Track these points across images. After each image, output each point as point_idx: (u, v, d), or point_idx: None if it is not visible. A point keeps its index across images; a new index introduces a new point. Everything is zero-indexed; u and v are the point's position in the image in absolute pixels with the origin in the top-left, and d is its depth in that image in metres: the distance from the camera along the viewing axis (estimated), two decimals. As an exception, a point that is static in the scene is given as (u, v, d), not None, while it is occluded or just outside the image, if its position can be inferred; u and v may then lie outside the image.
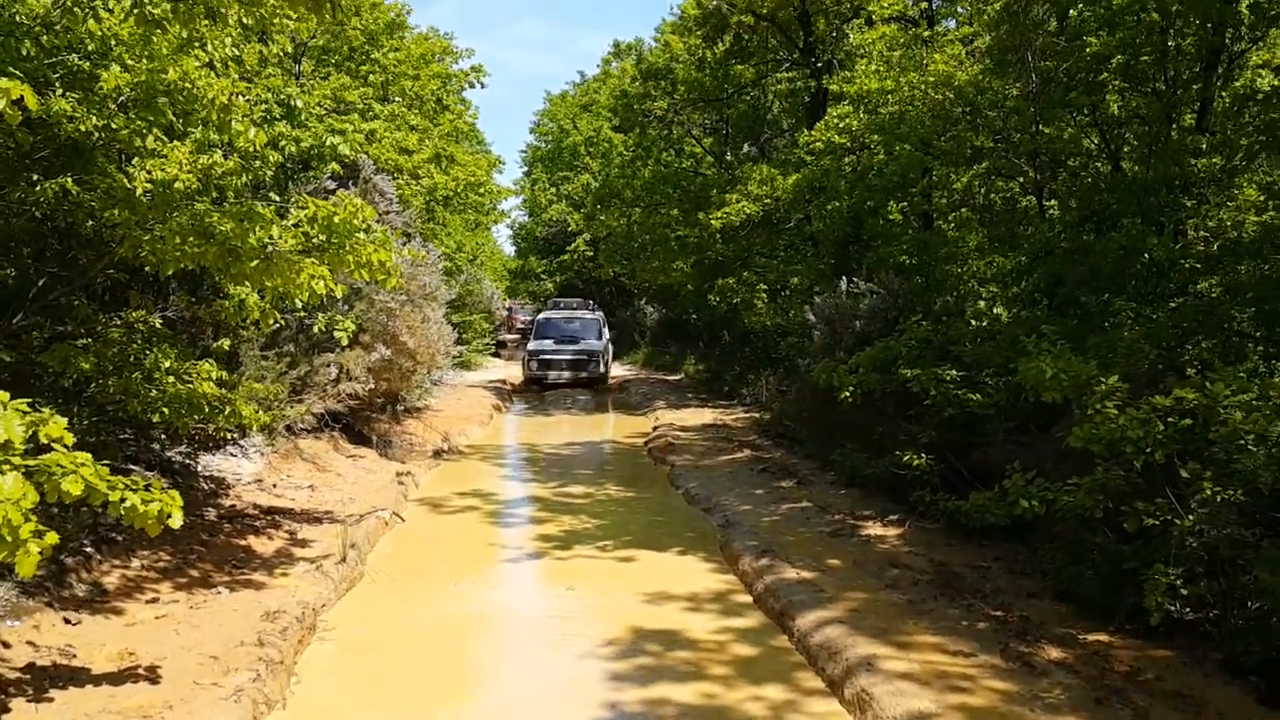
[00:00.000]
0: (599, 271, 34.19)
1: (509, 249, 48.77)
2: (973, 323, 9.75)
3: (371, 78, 17.96)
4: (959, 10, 15.94)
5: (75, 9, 6.68)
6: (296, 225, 7.30)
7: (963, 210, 13.64)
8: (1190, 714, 4.42)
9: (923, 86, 12.03)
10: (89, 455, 4.29)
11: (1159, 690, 4.65)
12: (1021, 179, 12.17)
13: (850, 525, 8.24)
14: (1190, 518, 4.96)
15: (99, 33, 7.33)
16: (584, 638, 6.04)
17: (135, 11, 6.52)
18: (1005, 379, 8.06)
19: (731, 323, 20.85)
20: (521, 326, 45.57)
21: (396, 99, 18.75)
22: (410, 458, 12.72)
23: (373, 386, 12.46)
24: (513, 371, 26.32)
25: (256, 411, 9.73)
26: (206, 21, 7.05)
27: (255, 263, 6.58)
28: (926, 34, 14.13)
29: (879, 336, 9.65)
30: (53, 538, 3.80)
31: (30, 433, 3.97)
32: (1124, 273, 8.64)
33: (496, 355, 33.17)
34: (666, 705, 5.02)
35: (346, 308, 12.55)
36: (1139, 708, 4.45)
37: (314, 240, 7.45)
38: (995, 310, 10.55)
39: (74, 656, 5.02)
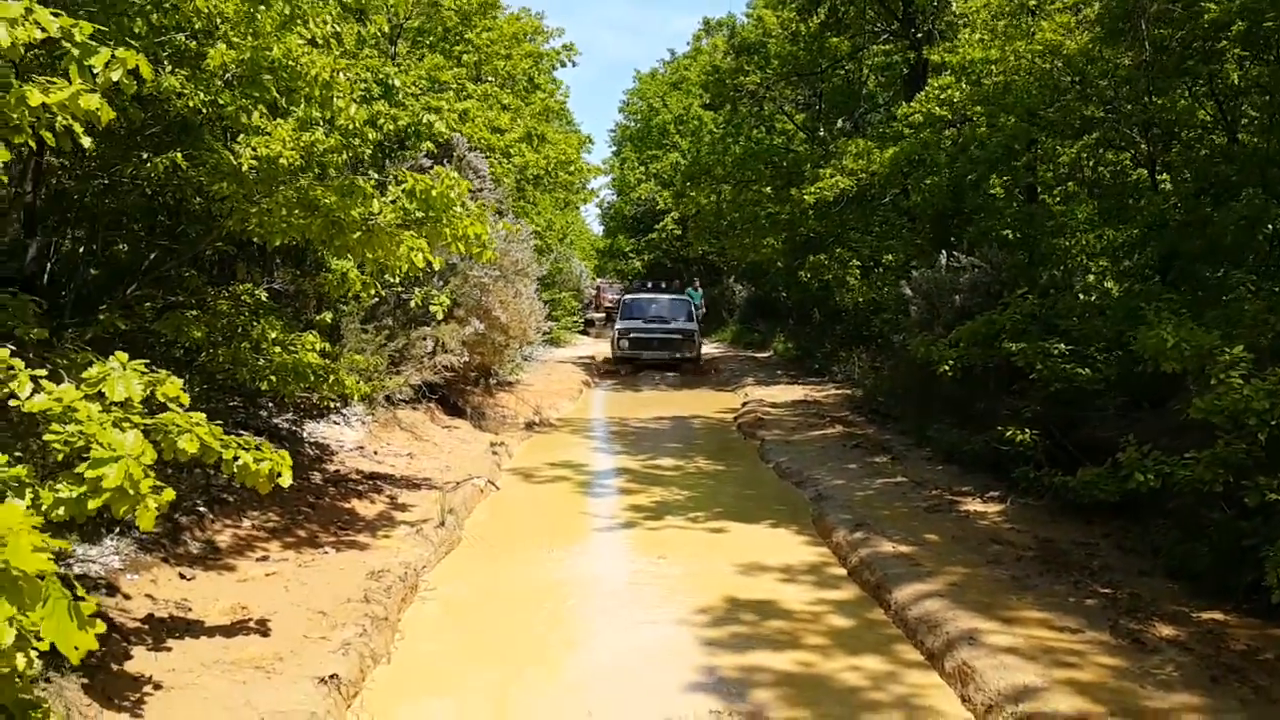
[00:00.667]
0: (687, 250, 34.08)
1: (596, 228, 49.04)
2: (1081, 297, 9.46)
3: (465, 58, 18.16)
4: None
5: (186, -17, 6.83)
6: (394, 200, 7.44)
7: (1069, 184, 13.21)
8: (1316, 696, 4.23)
9: (1030, 56, 11.63)
10: (203, 415, 4.43)
11: (1280, 670, 4.47)
12: (1133, 151, 11.72)
13: (948, 501, 8.08)
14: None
15: (206, 10, 7.53)
16: (678, 605, 6.06)
17: (242, -16, 6.65)
18: (1116, 353, 7.81)
19: (822, 300, 20.57)
20: (609, 305, 45.75)
21: (489, 79, 18.92)
22: (503, 429, 12.90)
23: (467, 359, 12.64)
24: (601, 348, 26.40)
25: (357, 382, 9.98)
26: (310, -2, 7.18)
27: (358, 234, 6.71)
28: (1033, 3, 13.66)
29: (980, 311, 9.41)
30: (169, 494, 3.93)
31: (148, 392, 4.11)
32: (1244, 245, 8.26)
33: (584, 333, 33.38)
34: (763, 672, 5.00)
35: (441, 283, 12.76)
36: (1259, 686, 4.28)
37: (412, 214, 7.58)
38: (1106, 284, 10.23)
39: (189, 610, 5.22)
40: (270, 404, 9.95)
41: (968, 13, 14.34)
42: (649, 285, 25.91)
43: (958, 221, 12.86)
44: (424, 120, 12.38)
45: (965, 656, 4.76)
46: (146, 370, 4.20)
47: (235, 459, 4.41)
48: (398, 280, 10.53)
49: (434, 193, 7.43)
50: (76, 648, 2.08)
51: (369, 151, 11.57)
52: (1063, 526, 7.16)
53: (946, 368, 8.65)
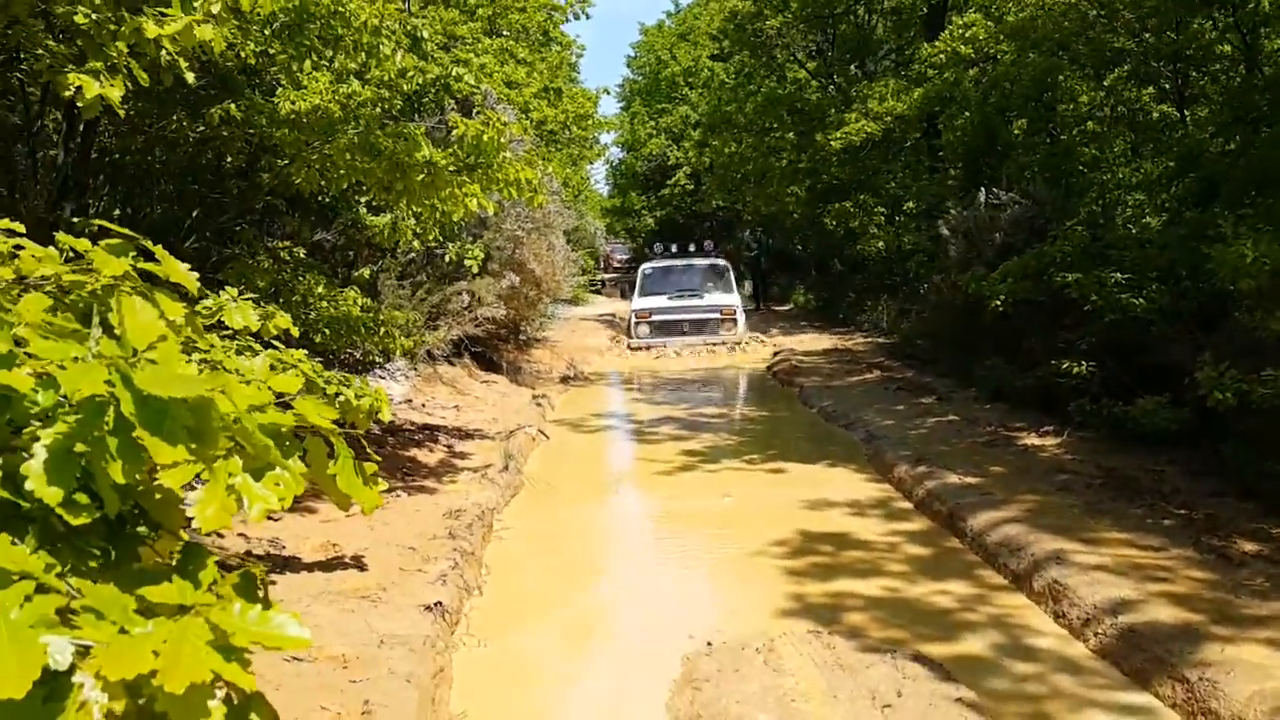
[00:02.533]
0: (699, 205, 33.93)
1: (602, 189, 48.74)
2: (1124, 229, 9.43)
3: (480, 11, 17.97)
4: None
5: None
6: (451, 146, 7.43)
7: (1089, 121, 13.12)
8: None
9: (1058, -14, 11.49)
10: (303, 352, 4.46)
11: (1372, 579, 4.51)
12: (1164, 83, 11.62)
13: (1004, 436, 8.12)
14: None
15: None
16: (753, 538, 6.11)
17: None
18: (1167, 283, 7.81)
19: (841, 249, 20.52)
20: (619, 265, 45.59)
21: (505, 32, 18.74)
22: (539, 383, 12.96)
23: (503, 313, 12.67)
24: (619, 306, 26.35)
25: (400, 336, 10.01)
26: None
27: (421, 177, 6.71)
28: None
29: (1024, 247, 9.39)
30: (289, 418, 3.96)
31: (262, 324, 4.14)
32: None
33: (597, 292, 33.34)
34: (851, 597, 5.06)
35: (472, 237, 12.75)
36: (1356, 595, 4.33)
37: (463, 160, 7.58)
38: (1145, 217, 10.20)
39: (283, 547, 5.29)
40: (317, 358, 10.00)
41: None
42: (671, 249, 20.14)
43: (991, 160, 12.78)
44: (452, 73, 12.31)
45: (1055, 575, 4.82)
46: (257, 306, 4.23)
47: (337, 395, 4.45)
48: (432, 234, 10.54)
49: (485, 138, 7.42)
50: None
51: (399, 104, 11.52)
52: (1124, 456, 7.18)
53: (998, 303, 8.65)
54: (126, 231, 1.97)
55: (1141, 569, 4.81)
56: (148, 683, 0.98)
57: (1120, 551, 5.09)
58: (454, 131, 7.52)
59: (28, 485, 1.07)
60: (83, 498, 1.13)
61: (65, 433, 1.10)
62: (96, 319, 1.23)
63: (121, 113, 3.66)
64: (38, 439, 1.09)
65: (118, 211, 9.26)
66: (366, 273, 11.48)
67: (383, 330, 9.12)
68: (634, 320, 17.52)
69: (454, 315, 12.28)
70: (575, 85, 27.71)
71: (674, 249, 20.13)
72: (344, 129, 7.46)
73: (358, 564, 5.10)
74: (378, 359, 10.82)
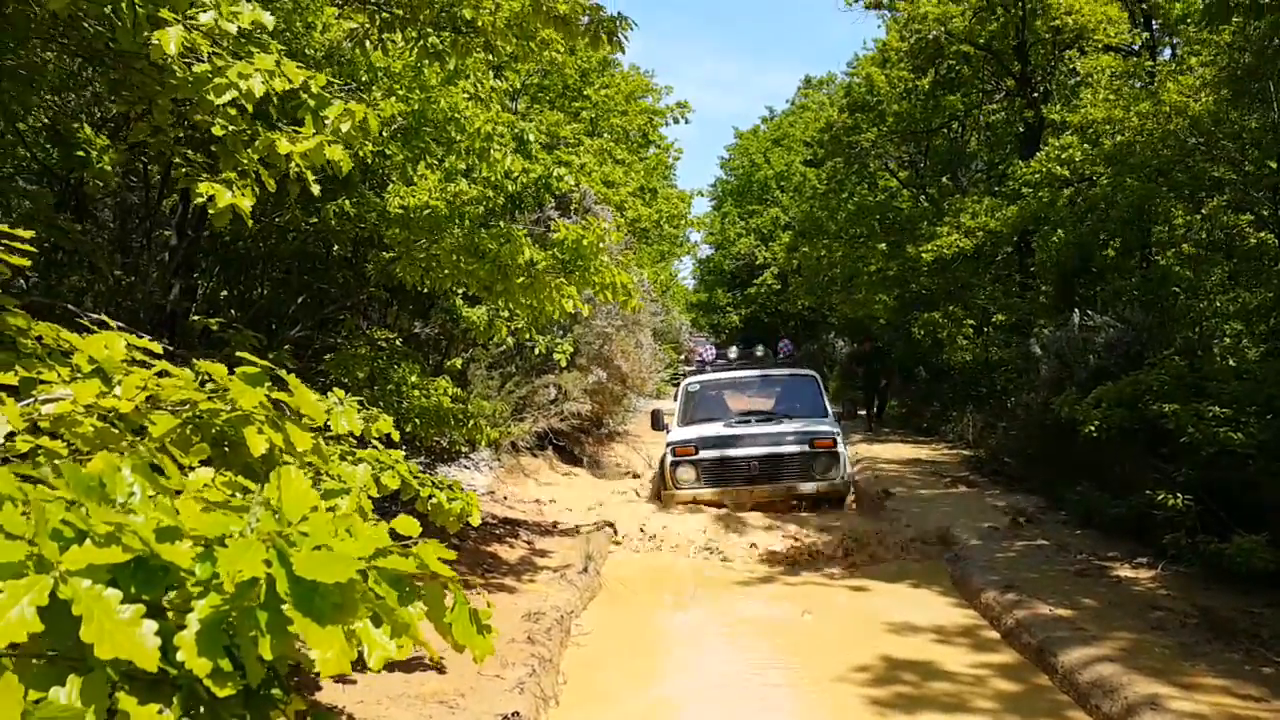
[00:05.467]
0: (785, 305, 34.11)
1: (688, 283, 49.37)
2: (1221, 360, 9.24)
3: (583, 114, 18.69)
4: (1175, 42, 15.23)
5: (366, 40, 7.17)
6: (551, 248, 7.69)
7: (1184, 245, 12.98)
8: None
9: (1156, 116, 11.53)
10: (401, 452, 4.63)
11: None
12: (1264, 212, 11.48)
13: (1096, 565, 7.89)
14: None
15: (381, 64, 7.92)
16: (834, 662, 6.02)
17: (420, 43, 6.96)
18: (1268, 417, 7.62)
19: (928, 358, 20.38)
20: (699, 361, 45.77)
21: (605, 134, 19.43)
22: (620, 477, 13.02)
23: (589, 407, 12.86)
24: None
25: (486, 427, 10.20)
26: (479, 54, 7.48)
27: (521, 279, 6.95)
28: (1150, 65, 13.57)
29: (1118, 371, 9.25)
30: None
31: (364, 426, 4.32)
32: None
33: (676, 384, 33.43)
34: (935, 731, 4.95)
35: (563, 332, 13.04)
36: None
37: (561, 261, 7.82)
38: (1243, 347, 9.98)
39: (363, 646, 5.39)
40: (402, 446, 10.25)
41: (1092, 70, 14.27)
42: (729, 354, 14.61)
43: (1083, 280, 12.69)
44: (554, 173, 12.78)
45: (1150, 722, 4.65)
46: (361, 406, 4.42)
47: (430, 497, 4.59)
48: (528, 333, 10.79)
49: (584, 242, 7.66)
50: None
51: (501, 202, 11.98)
52: (1220, 595, 6.92)
53: (1091, 429, 8.50)
54: (264, 363, 2.12)
55: (1239, 719, 4.62)
56: None
57: (1217, 699, 4.89)
58: (554, 235, 7.79)
59: (179, 656, 1.14)
60: (226, 664, 1.19)
61: (218, 606, 1.18)
62: (258, 493, 1.33)
63: (250, 222, 3.90)
64: (190, 610, 1.17)
65: (225, 293, 9.73)
66: (458, 363, 11.78)
67: (471, 422, 9.32)
68: (671, 460, 10.86)
69: (540, 408, 12.51)
70: (670, 185, 28.50)
71: (732, 353, 14.25)
72: (450, 228, 7.77)
73: (437, 667, 5.15)
74: (463, 448, 11.03)
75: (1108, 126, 12.91)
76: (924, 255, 15.99)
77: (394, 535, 1.79)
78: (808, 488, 10.68)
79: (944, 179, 21.78)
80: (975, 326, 18.08)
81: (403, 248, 7.21)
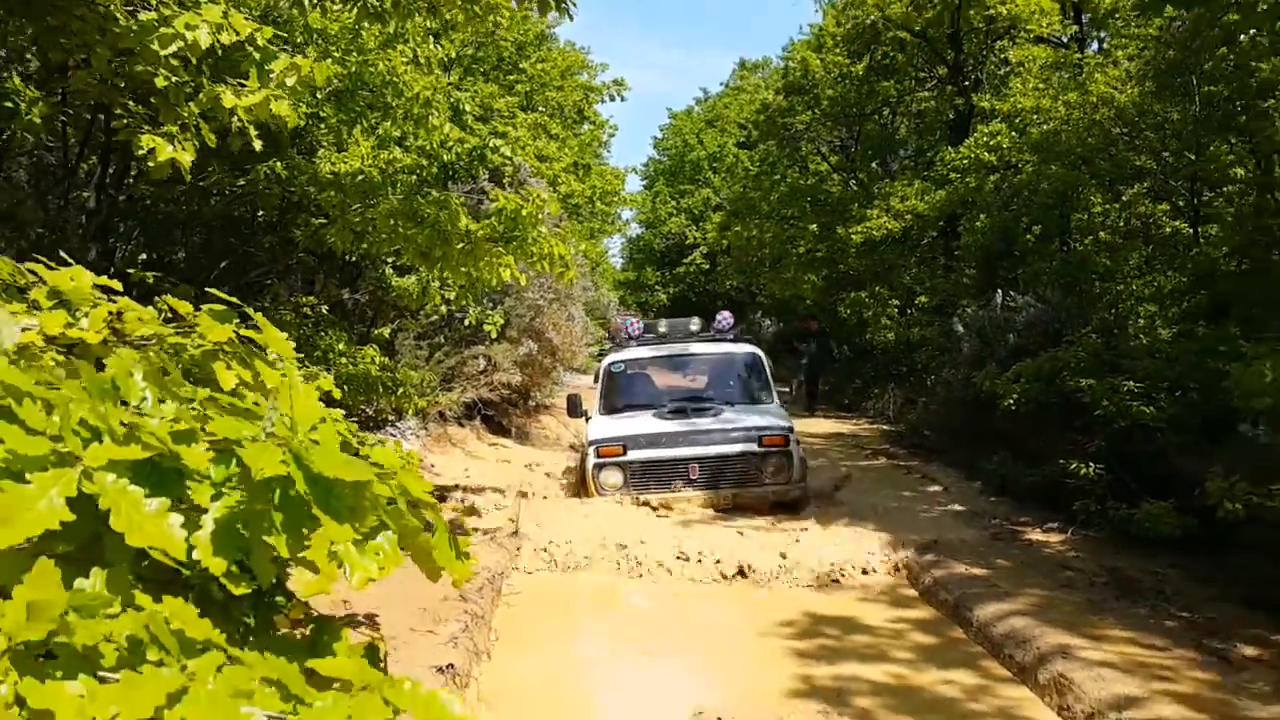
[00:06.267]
0: (713, 284, 34.43)
1: (617, 261, 49.43)
2: (1135, 340, 9.67)
3: (518, 87, 18.59)
4: (1103, 35, 15.75)
5: (304, 1, 7.05)
6: (490, 217, 7.70)
7: (1101, 233, 13.49)
8: None
9: (1081, 106, 11.95)
10: (340, 412, 4.63)
11: (1372, 691, 4.60)
12: (1180, 201, 11.99)
13: (1009, 530, 8.23)
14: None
15: (317, 25, 7.79)
16: (759, 618, 6.21)
17: (360, 2, 6.87)
18: (1178, 393, 8.03)
19: (851, 337, 20.84)
20: (625, 337, 45.62)
21: (540, 108, 19.35)
22: (548, 448, 13.10)
23: (519, 379, 12.89)
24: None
25: (415, 396, 10.16)
26: (421, 19, 7.43)
27: (462, 246, 6.97)
28: (1078, 57, 14.01)
29: (1036, 349, 9.62)
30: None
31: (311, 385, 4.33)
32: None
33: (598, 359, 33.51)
34: (859, 683, 5.15)
35: (493, 303, 13.02)
36: (1356, 706, 4.41)
37: (499, 231, 7.83)
38: (1157, 327, 10.45)
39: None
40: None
41: (1023, 60, 14.68)
42: (660, 327, 11.28)
43: (1006, 263, 13.12)
44: (490, 144, 12.73)
45: (1061, 669, 4.90)
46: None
47: (367, 456, 4.63)
48: (465, 301, 10.73)
49: (524, 212, 7.69)
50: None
51: (435, 172, 11.89)
52: (1127, 557, 7.28)
53: (1010, 402, 8.84)
54: (231, 299, 2.16)
55: (1145, 667, 4.90)
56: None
57: (1124, 649, 5.18)
58: (493, 204, 7.79)
59: (195, 554, 1.18)
60: (235, 569, 1.25)
61: (232, 507, 1.24)
62: (272, 400, 1.39)
63: (189, 177, 3.88)
64: (205, 511, 1.23)
65: (144, 256, 9.50)
66: (386, 332, 11.68)
67: (399, 390, 9.26)
68: (594, 461, 9.22)
69: (469, 378, 12.51)
70: (603, 163, 28.53)
71: (663, 327, 11.33)
72: (386, 194, 7.73)
73: (370, 623, 5.18)
74: (390, 416, 10.98)
75: (1035, 115, 13.35)
76: (854, 237, 16.33)
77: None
78: (756, 493, 9.10)
79: (874, 164, 22.21)
80: (899, 307, 18.54)
81: (337, 212, 7.16)
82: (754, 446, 9.12)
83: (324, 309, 9.91)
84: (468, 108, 12.49)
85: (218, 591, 1.27)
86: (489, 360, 12.74)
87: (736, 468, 9.11)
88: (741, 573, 7.08)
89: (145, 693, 0.99)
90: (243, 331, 2.21)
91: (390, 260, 10.06)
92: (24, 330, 1.72)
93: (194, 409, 1.43)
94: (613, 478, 9.10)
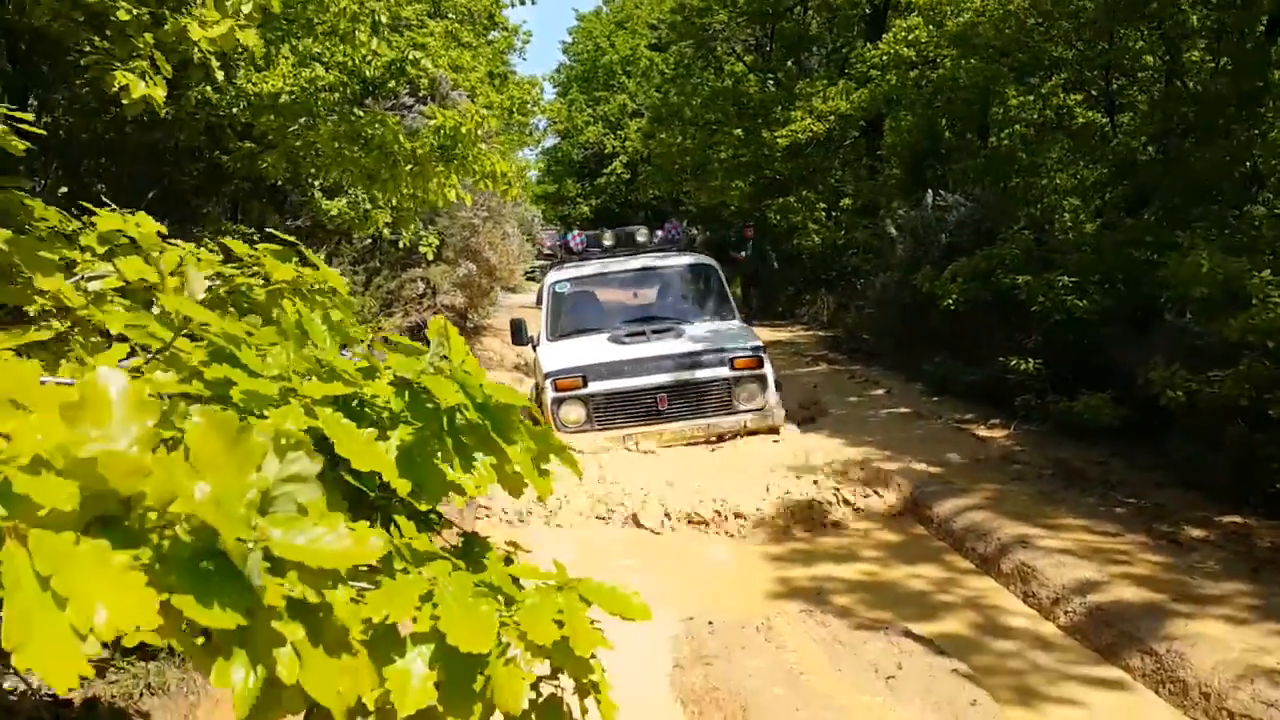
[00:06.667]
0: (635, 194, 34.14)
1: (532, 175, 48.57)
2: (1064, 234, 9.94)
3: (425, -9, 17.88)
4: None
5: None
6: (432, 134, 7.49)
7: (1017, 126, 13.72)
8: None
9: (997, -4, 11.97)
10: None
11: (1309, 563, 4.95)
12: (1094, 92, 12.21)
13: (954, 427, 8.52)
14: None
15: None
16: (730, 525, 6.38)
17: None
18: (1106, 286, 8.32)
19: (779, 243, 20.96)
20: (548, 251, 45.10)
21: (449, 15, 18.65)
22: (493, 370, 13.05)
23: (461, 300, 12.75)
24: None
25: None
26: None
27: (410, 167, 6.79)
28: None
29: (970, 247, 9.82)
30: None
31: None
32: (1223, 179, 8.79)
33: (531, 278, 33.28)
34: (833, 581, 5.37)
35: (426, 224, 12.76)
36: (1296, 576, 4.75)
37: (437, 150, 7.64)
38: (1081, 220, 10.75)
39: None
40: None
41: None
42: (605, 238, 10.47)
43: (933, 162, 13.28)
44: (410, 57, 12.28)
45: (1022, 558, 5.17)
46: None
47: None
48: (413, 225, 10.49)
49: (463, 129, 7.51)
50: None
51: (357, 88, 11.47)
52: (1070, 448, 7.61)
53: (949, 302, 9.06)
54: (289, 238, 2.10)
55: (1101, 552, 5.19)
56: (560, 647, 1.19)
57: (1079, 536, 5.47)
58: (431, 122, 7.59)
59: (382, 477, 1.26)
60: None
61: (412, 433, 1.29)
62: (438, 339, 1.41)
63: (162, 112, 3.72)
64: (387, 439, 1.28)
65: (63, 190, 9.09)
66: (321, 257, 11.40)
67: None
68: (552, 395, 8.33)
69: (409, 302, 12.32)
70: (515, 72, 27.73)
71: (608, 239, 10.50)
72: (320, 115, 7.47)
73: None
74: (336, 345, 10.80)
75: (949, 7, 13.35)
76: (779, 140, 16.30)
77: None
78: (731, 422, 8.27)
79: (790, 62, 22.04)
80: (826, 210, 18.66)
81: (277, 135, 6.89)
82: (726, 371, 8.33)
83: (255, 236, 9.60)
84: (384, 19, 12.00)
85: (399, 507, 1.35)
86: (427, 283, 12.55)
87: (710, 395, 8.34)
88: (720, 514, 6.53)
89: (405, 596, 1.13)
90: (302, 270, 2.19)
91: (318, 184, 9.76)
92: (104, 278, 1.70)
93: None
94: (574, 413, 8.31)
